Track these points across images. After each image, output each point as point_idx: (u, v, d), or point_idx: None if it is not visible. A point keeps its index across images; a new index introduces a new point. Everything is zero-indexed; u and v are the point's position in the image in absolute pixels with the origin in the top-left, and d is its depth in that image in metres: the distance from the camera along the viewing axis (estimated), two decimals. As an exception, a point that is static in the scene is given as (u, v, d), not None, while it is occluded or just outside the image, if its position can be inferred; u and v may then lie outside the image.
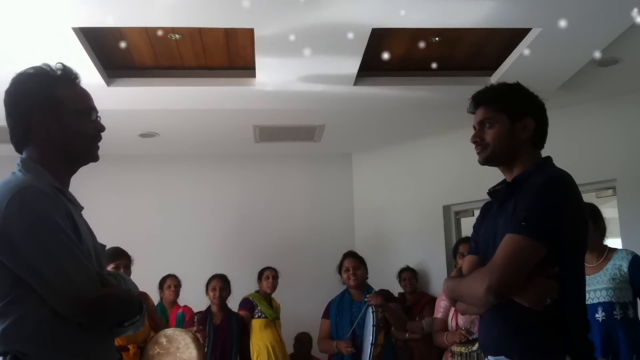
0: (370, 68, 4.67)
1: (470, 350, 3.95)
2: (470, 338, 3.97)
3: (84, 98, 1.96)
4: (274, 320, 5.51)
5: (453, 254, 4.85)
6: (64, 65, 1.93)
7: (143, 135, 6.12)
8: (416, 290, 6.03)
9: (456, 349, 4.04)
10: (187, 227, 6.69)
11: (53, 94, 1.88)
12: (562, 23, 3.77)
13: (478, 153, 2.23)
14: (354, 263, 4.79)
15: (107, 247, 4.07)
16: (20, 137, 1.90)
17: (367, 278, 4.85)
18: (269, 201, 6.94)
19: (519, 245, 1.97)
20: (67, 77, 1.93)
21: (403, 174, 6.70)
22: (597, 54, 4.21)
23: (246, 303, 5.47)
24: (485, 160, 2.23)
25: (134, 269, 4.35)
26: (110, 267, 4.13)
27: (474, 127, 2.25)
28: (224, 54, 4.53)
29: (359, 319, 4.49)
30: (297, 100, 5.05)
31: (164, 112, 5.42)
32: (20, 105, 1.89)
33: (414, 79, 4.87)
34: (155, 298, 5.39)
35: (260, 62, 4.35)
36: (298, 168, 7.06)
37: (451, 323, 4.20)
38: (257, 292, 5.66)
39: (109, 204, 6.48)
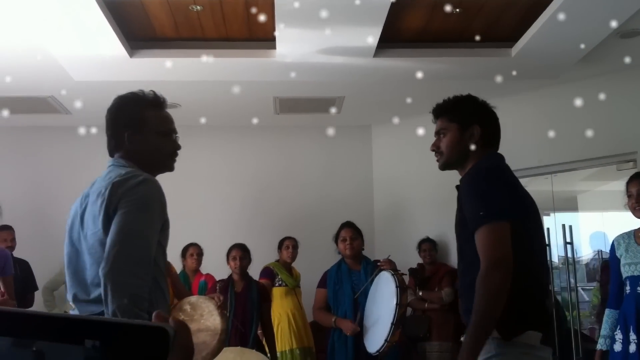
0: (390, 40, 4.67)
1: None
2: None
3: (166, 121, 2.39)
4: (294, 289, 5.60)
5: None
6: (154, 93, 2.36)
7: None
8: (435, 261, 6.07)
9: None
10: (208, 197, 6.78)
11: (141, 115, 2.32)
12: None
13: (437, 160, 2.53)
14: (351, 233, 4.83)
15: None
16: (113, 147, 2.35)
17: (363, 249, 4.88)
18: (289, 172, 6.99)
19: (489, 233, 2.21)
20: (155, 102, 2.37)
21: (423, 146, 6.69)
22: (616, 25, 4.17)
23: (267, 272, 5.56)
24: (443, 166, 2.54)
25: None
26: None
27: (435, 136, 2.54)
28: (244, 25, 4.56)
29: (366, 287, 4.54)
30: (317, 71, 5.07)
31: (185, 84, 5.48)
32: (115, 122, 2.35)
33: (434, 51, 4.87)
34: (177, 266, 5.49)
35: (281, 33, 4.37)
36: (318, 139, 7.09)
37: None
38: (278, 261, 5.75)
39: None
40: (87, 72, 5.03)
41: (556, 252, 6.15)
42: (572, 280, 5.93)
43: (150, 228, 2.15)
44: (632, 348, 3.44)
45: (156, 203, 2.20)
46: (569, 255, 5.98)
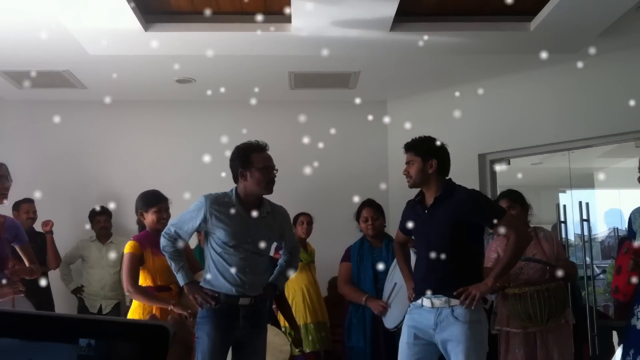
0: (407, 13, 4.61)
1: (522, 291, 4.12)
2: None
3: (267, 160, 3.57)
4: (309, 264, 5.61)
5: None
6: (258, 141, 3.59)
7: (180, 81, 6.17)
8: (449, 237, 6.04)
9: (510, 291, 4.15)
10: (222, 171, 6.74)
11: (249, 158, 3.53)
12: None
13: (407, 181, 3.65)
14: (372, 213, 4.82)
15: (146, 190, 4.31)
16: (234, 178, 3.61)
17: (384, 227, 4.86)
18: (303, 147, 6.95)
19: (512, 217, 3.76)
20: (259, 146, 3.58)
21: (439, 122, 6.65)
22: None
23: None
24: (411, 186, 3.67)
25: (170, 211, 4.44)
26: (152, 211, 4.21)
27: (406, 164, 3.66)
28: (260, -2, 4.52)
29: (382, 262, 4.57)
30: (333, 46, 5.02)
31: (200, 58, 5.45)
32: (234, 163, 3.61)
33: (452, 24, 4.80)
34: (192, 241, 5.50)
35: (296, 6, 4.32)
36: (333, 115, 7.05)
37: None
38: (292, 237, 5.75)
39: (147, 147, 6.60)
40: (102, 46, 5.01)
41: (572, 229, 6.11)
42: (588, 258, 5.90)
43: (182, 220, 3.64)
44: None
45: (196, 207, 3.61)
46: (585, 232, 5.93)
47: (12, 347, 0.73)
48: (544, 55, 4.39)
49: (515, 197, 4.45)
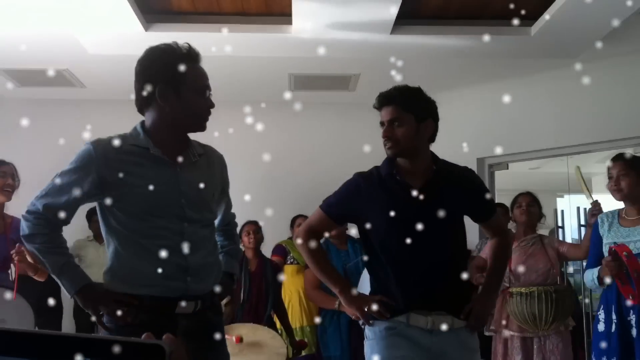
0: (408, 16, 4.61)
1: (530, 290, 4.08)
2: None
3: (202, 77, 2.21)
4: (305, 267, 5.59)
5: (511, 206, 4.78)
6: (189, 45, 2.17)
7: (179, 82, 6.16)
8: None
9: (516, 289, 4.13)
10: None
11: (177, 70, 2.09)
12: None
13: (389, 148, 2.52)
14: None
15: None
16: (143, 102, 2.17)
17: (347, 229, 4.71)
18: (302, 150, 6.96)
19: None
20: (191, 56, 2.17)
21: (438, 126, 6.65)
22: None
23: (279, 249, 5.55)
24: (396, 155, 2.55)
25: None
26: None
27: (382, 123, 2.54)
28: None
29: (351, 265, 4.48)
30: (333, 48, 5.02)
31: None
32: (147, 75, 2.14)
33: (453, 28, 4.80)
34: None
35: (297, 8, 4.32)
36: (332, 117, 7.04)
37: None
38: (290, 239, 5.74)
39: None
40: (102, 46, 5.00)
41: (570, 234, 6.11)
42: (585, 263, 5.89)
43: (56, 187, 2.18)
44: (613, 328, 3.40)
45: (79, 161, 2.19)
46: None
47: None
48: (543, 61, 4.39)
49: (536, 198, 4.50)
